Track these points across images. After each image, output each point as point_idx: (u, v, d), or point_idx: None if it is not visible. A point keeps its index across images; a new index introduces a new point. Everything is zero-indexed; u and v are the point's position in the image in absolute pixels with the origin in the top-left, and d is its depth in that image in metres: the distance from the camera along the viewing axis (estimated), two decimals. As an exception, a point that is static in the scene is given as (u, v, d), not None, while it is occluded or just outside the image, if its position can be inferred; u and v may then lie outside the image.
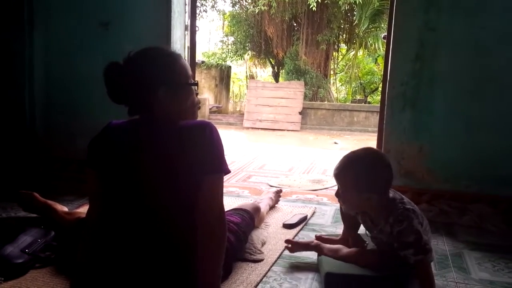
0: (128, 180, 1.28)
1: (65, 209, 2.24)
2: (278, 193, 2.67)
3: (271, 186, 3.26)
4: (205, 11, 13.44)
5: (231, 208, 1.96)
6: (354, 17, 11.61)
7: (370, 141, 7.28)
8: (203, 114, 10.43)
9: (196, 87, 1.40)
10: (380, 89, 10.10)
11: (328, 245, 1.78)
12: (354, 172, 1.54)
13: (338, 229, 1.99)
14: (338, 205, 2.73)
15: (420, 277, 1.50)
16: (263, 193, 2.75)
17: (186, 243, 1.27)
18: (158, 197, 1.27)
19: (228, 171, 1.30)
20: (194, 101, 1.40)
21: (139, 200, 1.28)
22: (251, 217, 1.95)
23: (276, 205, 2.62)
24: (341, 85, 15.09)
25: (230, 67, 13.68)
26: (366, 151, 1.64)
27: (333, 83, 14.27)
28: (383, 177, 1.56)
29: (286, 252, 1.97)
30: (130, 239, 1.27)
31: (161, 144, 1.27)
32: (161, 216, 1.27)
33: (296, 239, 2.13)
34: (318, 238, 1.94)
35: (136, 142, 1.30)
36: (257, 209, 2.07)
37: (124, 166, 1.28)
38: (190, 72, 1.39)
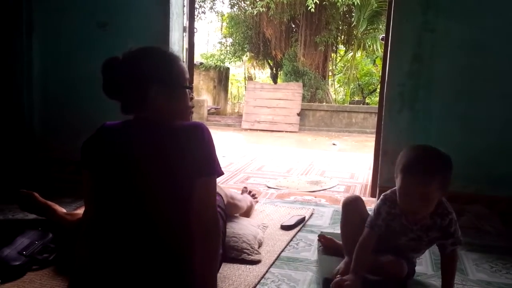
0: (121, 181, 1.28)
1: (64, 210, 2.24)
2: (253, 196, 2.66)
3: (269, 187, 3.26)
4: (204, 12, 13.46)
5: None
6: (352, 19, 11.62)
7: (369, 142, 7.29)
8: (202, 116, 10.43)
9: (190, 90, 1.39)
10: (378, 90, 10.13)
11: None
12: (450, 172, 1.54)
13: (336, 230, 1.98)
14: (336, 206, 2.75)
15: (450, 265, 1.55)
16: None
17: (181, 243, 1.27)
18: (152, 198, 1.27)
19: (221, 173, 1.30)
20: (187, 105, 1.38)
21: (134, 201, 1.27)
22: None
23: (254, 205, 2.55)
24: (339, 87, 15.10)
25: (228, 68, 13.70)
26: (435, 149, 1.61)
27: (331, 84, 14.27)
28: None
29: (284, 254, 1.97)
30: (126, 240, 1.27)
31: (153, 145, 1.27)
32: (155, 217, 1.27)
33: (294, 240, 2.13)
34: (320, 236, 2.02)
35: (129, 143, 1.30)
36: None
37: (118, 167, 1.28)
38: (187, 75, 1.38)
